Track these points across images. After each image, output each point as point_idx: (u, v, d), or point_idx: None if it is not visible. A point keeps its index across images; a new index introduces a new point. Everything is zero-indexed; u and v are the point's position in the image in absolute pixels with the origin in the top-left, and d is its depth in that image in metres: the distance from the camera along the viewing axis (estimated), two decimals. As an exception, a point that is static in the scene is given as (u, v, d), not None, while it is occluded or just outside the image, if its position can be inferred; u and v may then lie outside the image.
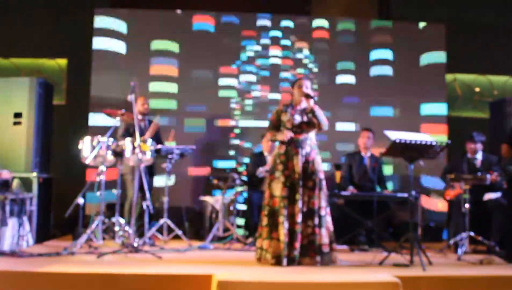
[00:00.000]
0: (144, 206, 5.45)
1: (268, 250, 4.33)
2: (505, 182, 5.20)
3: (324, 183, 4.47)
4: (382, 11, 8.04)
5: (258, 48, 7.31)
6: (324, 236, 4.35)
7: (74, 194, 5.11)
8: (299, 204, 4.31)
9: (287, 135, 4.41)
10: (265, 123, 6.74)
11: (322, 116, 4.47)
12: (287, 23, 7.36)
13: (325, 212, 4.41)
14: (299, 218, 4.29)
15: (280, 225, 4.30)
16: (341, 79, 7.36)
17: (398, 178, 7.22)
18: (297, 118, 4.49)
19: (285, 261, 4.21)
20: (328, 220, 4.42)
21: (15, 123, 5.79)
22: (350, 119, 7.28)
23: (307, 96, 4.47)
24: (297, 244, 4.26)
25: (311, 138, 4.53)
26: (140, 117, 5.83)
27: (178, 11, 7.20)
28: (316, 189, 4.39)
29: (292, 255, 4.24)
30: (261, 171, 5.92)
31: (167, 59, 7.17)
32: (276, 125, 4.56)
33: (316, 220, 4.33)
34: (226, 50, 7.23)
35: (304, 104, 4.56)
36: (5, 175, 5.06)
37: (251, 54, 7.27)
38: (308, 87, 4.55)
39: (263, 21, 7.31)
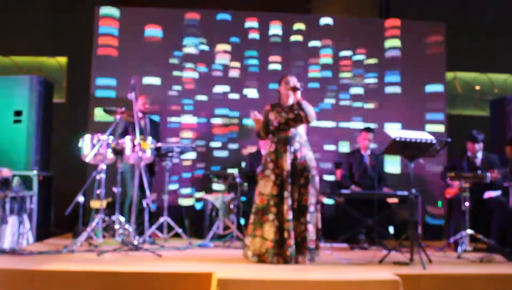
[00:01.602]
0: (144, 204, 5.46)
1: (250, 247, 4.35)
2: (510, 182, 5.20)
3: (316, 179, 4.46)
4: (382, 10, 8.02)
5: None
6: (311, 232, 4.34)
7: (74, 192, 5.12)
8: (289, 201, 4.29)
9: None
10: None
11: (309, 108, 4.46)
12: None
13: (314, 208, 4.40)
14: (289, 216, 4.27)
15: (265, 223, 4.30)
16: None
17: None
18: (284, 115, 4.49)
19: (274, 258, 4.22)
20: (317, 217, 4.42)
21: (15, 121, 5.80)
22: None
23: (294, 89, 4.46)
24: (291, 242, 4.25)
25: (300, 135, 4.52)
26: (140, 115, 5.83)
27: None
28: (309, 186, 4.38)
29: (287, 253, 4.23)
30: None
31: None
32: (266, 125, 4.58)
33: (308, 217, 4.33)
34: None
35: (291, 101, 4.56)
36: (5, 173, 5.06)
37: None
38: (294, 82, 4.55)
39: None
